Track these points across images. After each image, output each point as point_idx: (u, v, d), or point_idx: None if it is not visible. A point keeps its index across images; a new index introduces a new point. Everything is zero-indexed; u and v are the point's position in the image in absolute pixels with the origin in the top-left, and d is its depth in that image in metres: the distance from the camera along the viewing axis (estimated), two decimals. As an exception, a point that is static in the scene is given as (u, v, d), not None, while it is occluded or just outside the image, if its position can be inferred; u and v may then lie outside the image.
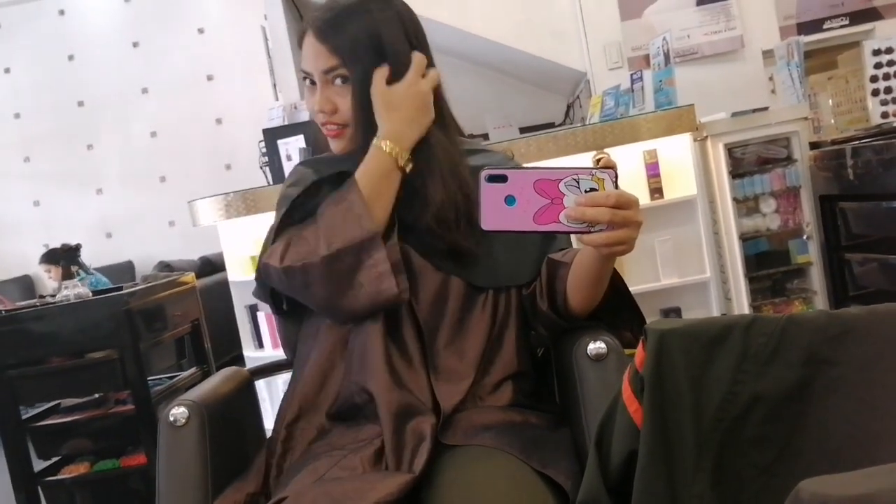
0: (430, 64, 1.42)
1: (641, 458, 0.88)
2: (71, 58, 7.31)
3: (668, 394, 0.88)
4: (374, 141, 1.36)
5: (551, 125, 5.60)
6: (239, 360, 4.64)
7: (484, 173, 1.09)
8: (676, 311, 3.56)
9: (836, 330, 0.86)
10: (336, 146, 1.43)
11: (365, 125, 1.39)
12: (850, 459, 0.84)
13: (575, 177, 1.09)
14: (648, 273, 3.52)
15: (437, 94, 1.43)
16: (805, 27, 4.90)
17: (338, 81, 1.38)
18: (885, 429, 0.85)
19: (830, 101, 4.79)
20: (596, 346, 1.35)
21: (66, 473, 2.79)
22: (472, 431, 1.33)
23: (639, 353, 0.91)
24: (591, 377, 1.35)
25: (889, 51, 3.63)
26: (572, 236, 1.23)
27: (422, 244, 1.41)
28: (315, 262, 1.33)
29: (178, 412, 1.41)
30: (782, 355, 0.86)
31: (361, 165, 1.37)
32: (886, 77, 3.71)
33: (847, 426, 0.85)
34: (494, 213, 1.09)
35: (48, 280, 5.14)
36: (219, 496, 1.38)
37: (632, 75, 3.84)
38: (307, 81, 1.41)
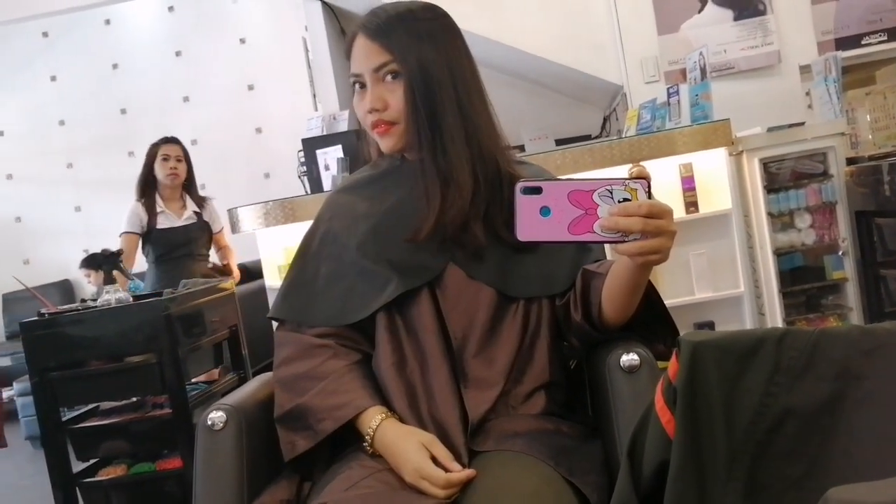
0: (475, 74, 1.46)
1: (673, 469, 0.89)
2: (115, 66, 7.42)
3: (700, 405, 0.88)
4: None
5: (587, 137, 5.58)
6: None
7: (519, 185, 1.11)
8: (710, 326, 3.54)
9: (869, 344, 0.86)
10: (386, 144, 1.46)
11: (416, 119, 1.41)
12: (880, 474, 0.84)
13: (608, 187, 1.10)
14: (682, 287, 3.51)
15: (482, 102, 1.47)
16: (843, 42, 4.85)
17: (388, 78, 1.41)
18: (916, 444, 0.85)
19: (868, 116, 4.75)
20: (629, 358, 1.35)
21: (104, 475, 2.82)
22: (503, 438, 1.35)
23: (672, 363, 0.92)
24: (623, 389, 1.36)
25: (929, 67, 3.59)
26: (607, 248, 1.24)
27: (462, 250, 1.43)
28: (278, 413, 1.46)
29: (216, 416, 1.43)
30: (814, 369, 0.86)
31: (387, 434, 1.37)
32: (928, 92, 3.68)
33: (878, 441, 0.85)
34: (530, 224, 1.11)
35: (87, 284, 5.20)
36: (254, 501, 1.39)
37: (668, 89, 3.84)
38: (356, 86, 1.44)
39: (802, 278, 3.61)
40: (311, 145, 4.13)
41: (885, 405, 0.85)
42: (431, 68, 1.40)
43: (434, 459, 1.29)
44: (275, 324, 1.61)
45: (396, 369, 1.42)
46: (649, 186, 1.12)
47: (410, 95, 1.40)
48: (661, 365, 1.36)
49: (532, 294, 1.45)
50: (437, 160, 1.42)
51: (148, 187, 4.43)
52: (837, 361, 0.86)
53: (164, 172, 4.38)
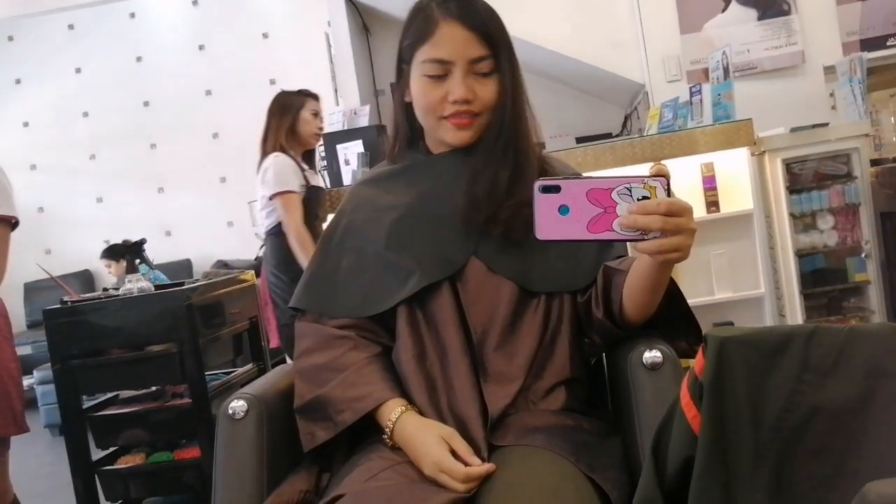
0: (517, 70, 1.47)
1: (698, 465, 0.89)
2: (139, 59, 7.48)
3: (727, 401, 0.88)
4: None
5: (608, 136, 5.57)
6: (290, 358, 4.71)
7: (538, 184, 1.11)
8: (730, 326, 3.53)
9: (899, 343, 0.85)
10: (462, 137, 1.45)
11: (502, 116, 1.43)
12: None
13: (627, 185, 1.10)
14: (702, 286, 3.50)
15: (520, 96, 1.47)
16: (868, 43, 4.81)
17: (481, 70, 1.41)
18: (946, 444, 0.84)
19: (893, 118, 4.71)
20: (652, 355, 1.35)
21: (122, 464, 2.84)
22: (523, 432, 1.35)
23: (698, 359, 0.91)
24: (645, 386, 1.35)
25: (955, 69, 3.56)
26: (628, 245, 1.24)
27: (487, 243, 1.43)
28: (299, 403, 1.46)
29: (237, 405, 1.43)
30: (843, 367, 0.86)
31: (408, 426, 1.36)
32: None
33: (907, 440, 0.85)
34: (549, 223, 1.11)
35: (108, 275, 5.23)
36: (273, 491, 1.40)
37: (691, 88, 3.82)
38: (434, 75, 1.41)
39: (824, 280, 3.58)
40: (331, 140, 4.14)
41: (916, 404, 0.85)
42: (518, 68, 1.44)
43: (454, 453, 1.29)
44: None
45: (417, 362, 1.42)
46: (668, 184, 1.11)
47: (502, 92, 1.42)
48: (683, 363, 1.36)
49: (553, 289, 1.45)
50: (508, 156, 1.43)
51: (289, 140, 3.83)
52: (867, 360, 0.86)
53: (311, 130, 3.87)
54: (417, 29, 1.43)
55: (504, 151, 1.44)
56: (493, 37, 1.41)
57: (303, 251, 3.43)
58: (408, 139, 1.57)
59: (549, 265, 1.44)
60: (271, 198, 3.62)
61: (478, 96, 1.41)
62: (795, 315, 3.50)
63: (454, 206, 1.46)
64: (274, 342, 3.59)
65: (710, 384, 0.88)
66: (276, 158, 3.70)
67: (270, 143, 3.78)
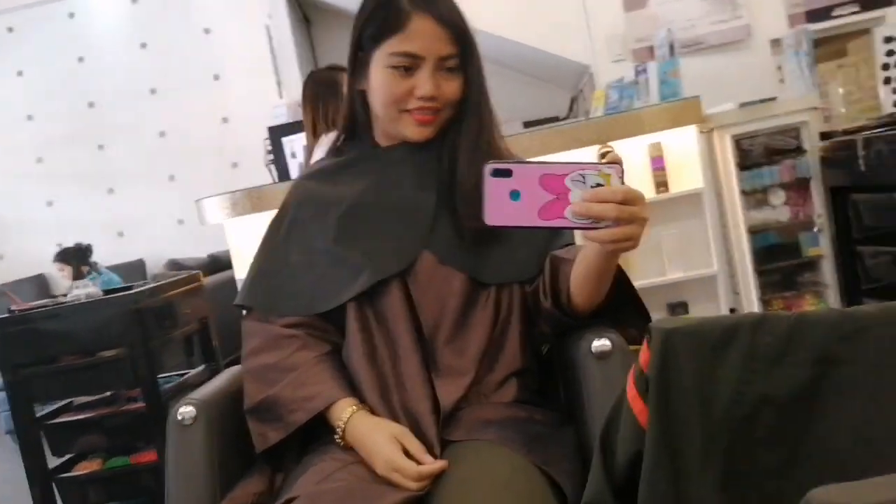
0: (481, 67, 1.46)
1: (647, 460, 0.87)
2: (81, 59, 7.35)
3: (674, 394, 0.86)
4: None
5: (555, 119, 5.57)
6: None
7: (488, 167, 1.08)
8: (683, 306, 3.54)
9: (849, 328, 0.84)
10: (423, 133, 1.43)
11: (464, 112, 1.43)
12: (860, 461, 0.83)
13: (581, 172, 1.07)
14: (655, 267, 3.50)
15: (486, 93, 1.46)
16: (813, 15, 4.84)
17: (448, 67, 1.39)
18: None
19: (841, 89, 4.76)
20: (600, 344, 1.34)
21: (80, 470, 2.82)
22: (475, 427, 1.33)
23: (643, 352, 0.90)
24: (595, 375, 1.34)
25: (901, 38, 3.59)
26: (576, 232, 1.22)
27: (439, 233, 1.42)
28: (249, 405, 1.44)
29: (185, 411, 1.41)
30: (791, 355, 0.84)
31: (360, 426, 1.35)
32: (899, 65, 3.68)
33: (858, 427, 0.84)
34: (499, 208, 1.08)
35: (61, 279, 5.16)
36: (226, 495, 1.38)
37: (636, 67, 3.82)
38: (401, 67, 1.38)
39: (777, 256, 3.60)
40: (276, 133, 4.09)
41: (865, 390, 0.84)
42: (481, 67, 1.43)
43: (406, 451, 1.28)
44: (242, 312, 1.59)
45: (367, 360, 1.40)
46: (623, 172, 1.09)
47: (467, 90, 1.41)
48: (632, 348, 1.35)
49: (503, 280, 1.44)
50: (476, 152, 1.41)
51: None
52: (815, 346, 0.84)
53: None
54: (384, 18, 1.39)
55: (475, 146, 1.42)
56: (462, 34, 1.40)
57: None
58: (352, 130, 1.54)
59: (499, 255, 1.42)
60: None
61: (443, 92, 1.39)
62: (750, 292, 3.52)
63: (404, 198, 1.45)
64: None
65: (655, 377, 0.87)
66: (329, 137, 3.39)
67: (323, 127, 3.49)
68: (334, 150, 1.59)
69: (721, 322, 0.88)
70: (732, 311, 3.56)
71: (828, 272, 3.51)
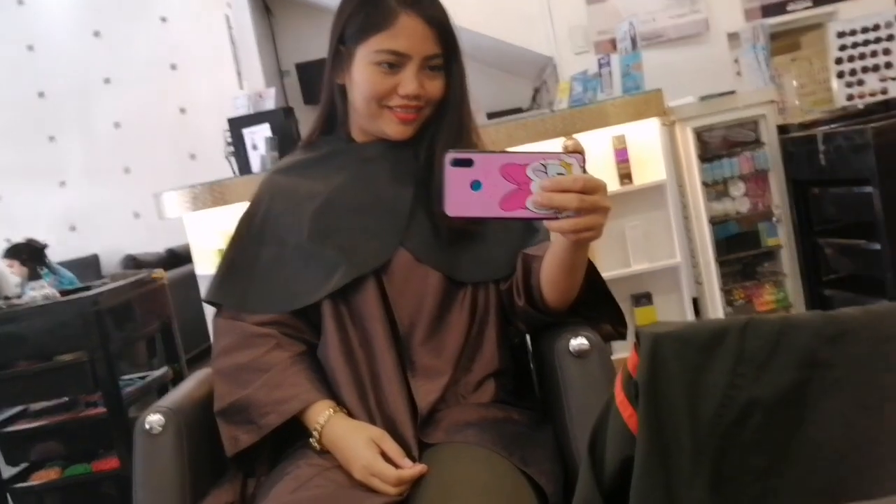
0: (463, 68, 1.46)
1: (638, 466, 0.87)
2: (30, 48, 7.15)
3: (663, 399, 0.86)
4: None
5: (519, 110, 5.57)
6: (207, 352, 4.59)
7: (449, 156, 1.07)
8: (647, 297, 3.57)
9: (833, 331, 0.84)
10: (403, 131, 1.42)
11: (445, 111, 1.43)
12: (847, 462, 0.84)
13: (543, 161, 1.07)
14: (619, 259, 3.52)
15: (466, 93, 1.46)
16: (769, 9, 4.92)
17: (432, 67, 1.39)
18: (882, 430, 0.84)
19: (795, 82, 4.81)
20: (578, 343, 1.34)
21: (36, 480, 2.73)
22: (454, 429, 1.33)
23: (632, 357, 0.89)
24: (573, 374, 1.35)
25: (853, 33, 3.64)
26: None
27: (414, 231, 1.41)
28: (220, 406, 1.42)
29: (153, 419, 1.38)
30: (778, 358, 0.84)
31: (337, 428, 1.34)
32: (851, 59, 3.72)
33: (844, 428, 0.84)
34: (459, 198, 1.07)
35: (10, 275, 5.04)
36: (197, 504, 1.36)
37: (599, 60, 3.83)
38: (385, 64, 1.37)
39: (738, 246, 3.65)
40: (237, 125, 4.04)
41: (852, 392, 0.84)
42: (464, 67, 1.44)
43: (384, 455, 1.26)
44: (207, 311, 1.56)
45: (345, 358, 1.39)
46: (584, 161, 1.09)
47: (449, 91, 1.42)
48: (622, 360, 1.35)
49: (480, 279, 1.43)
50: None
51: None
52: (802, 349, 0.84)
53: None
54: (370, 14, 1.38)
55: (454, 144, 1.40)
56: (448, 35, 1.40)
57: None
58: (329, 124, 1.53)
59: (477, 255, 1.42)
60: None
61: (426, 91, 1.39)
62: (712, 282, 3.56)
63: (380, 195, 1.43)
64: None
65: (645, 383, 0.86)
66: None
67: None
68: (306, 145, 1.56)
69: (709, 326, 0.87)
70: (695, 300, 3.60)
71: (786, 262, 3.56)
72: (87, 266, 6.72)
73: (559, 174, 1.07)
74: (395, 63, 1.36)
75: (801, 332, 0.85)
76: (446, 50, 1.40)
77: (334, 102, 1.49)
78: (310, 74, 6.58)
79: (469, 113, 1.46)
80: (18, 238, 4.61)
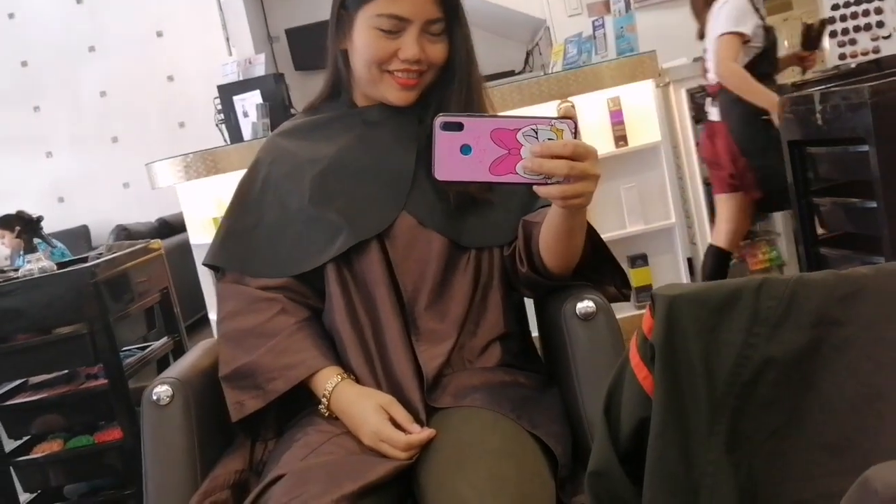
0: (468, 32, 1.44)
1: (654, 426, 0.87)
2: (11, 16, 7.02)
3: (679, 360, 0.86)
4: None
5: (511, 73, 5.53)
6: (204, 321, 4.59)
7: (438, 120, 1.06)
8: (643, 258, 3.58)
9: (845, 290, 0.85)
10: (405, 97, 1.40)
11: (448, 78, 1.42)
12: (859, 420, 0.84)
13: (533, 127, 1.06)
14: (614, 220, 3.54)
15: (473, 58, 1.45)
16: (761, -32, 4.87)
17: (433, 32, 1.37)
18: (893, 387, 0.84)
19: (786, 42, 4.80)
20: (584, 305, 1.34)
21: (39, 452, 2.72)
22: (461, 393, 1.34)
23: (646, 319, 0.89)
24: (580, 336, 1.35)
25: (847, -7, 3.63)
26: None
27: (418, 195, 1.40)
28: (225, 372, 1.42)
29: (161, 390, 1.38)
30: (792, 317, 0.85)
31: (344, 393, 1.34)
32: (843, 19, 3.72)
33: (856, 386, 0.85)
34: (449, 163, 1.07)
35: (1, 246, 5.01)
36: (208, 474, 1.36)
37: (593, 22, 3.81)
38: (386, 28, 1.35)
39: (731, 206, 3.64)
40: (227, 92, 4.01)
41: (864, 351, 0.85)
42: (469, 32, 1.42)
43: (393, 421, 1.27)
44: (203, 281, 1.55)
45: (350, 324, 1.39)
46: (576, 127, 1.08)
47: (453, 55, 1.40)
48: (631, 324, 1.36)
49: (483, 244, 1.43)
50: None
51: None
52: (815, 308, 0.85)
53: None
54: None
55: (464, 109, 1.41)
56: (449, 1, 1.38)
57: (747, 89, 3.04)
58: (335, 90, 1.52)
59: (480, 220, 1.42)
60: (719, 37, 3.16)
61: (427, 56, 1.37)
62: (707, 242, 3.57)
63: (383, 159, 1.42)
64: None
65: (661, 345, 0.87)
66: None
67: None
68: (309, 110, 1.55)
69: (724, 287, 0.88)
70: (690, 260, 3.61)
71: (779, 221, 3.58)
72: (78, 237, 6.68)
73: (550, 139, 1.06)
74: (395, 28, 1.35)
75: (814, 292, 0.85)
76: (448, 14, 1.38)
77: (339, 68, 1.48)
78: (300, 40, 6.49)
79: (479, 77, 1.44)
80: (6, 210, 4.58)
